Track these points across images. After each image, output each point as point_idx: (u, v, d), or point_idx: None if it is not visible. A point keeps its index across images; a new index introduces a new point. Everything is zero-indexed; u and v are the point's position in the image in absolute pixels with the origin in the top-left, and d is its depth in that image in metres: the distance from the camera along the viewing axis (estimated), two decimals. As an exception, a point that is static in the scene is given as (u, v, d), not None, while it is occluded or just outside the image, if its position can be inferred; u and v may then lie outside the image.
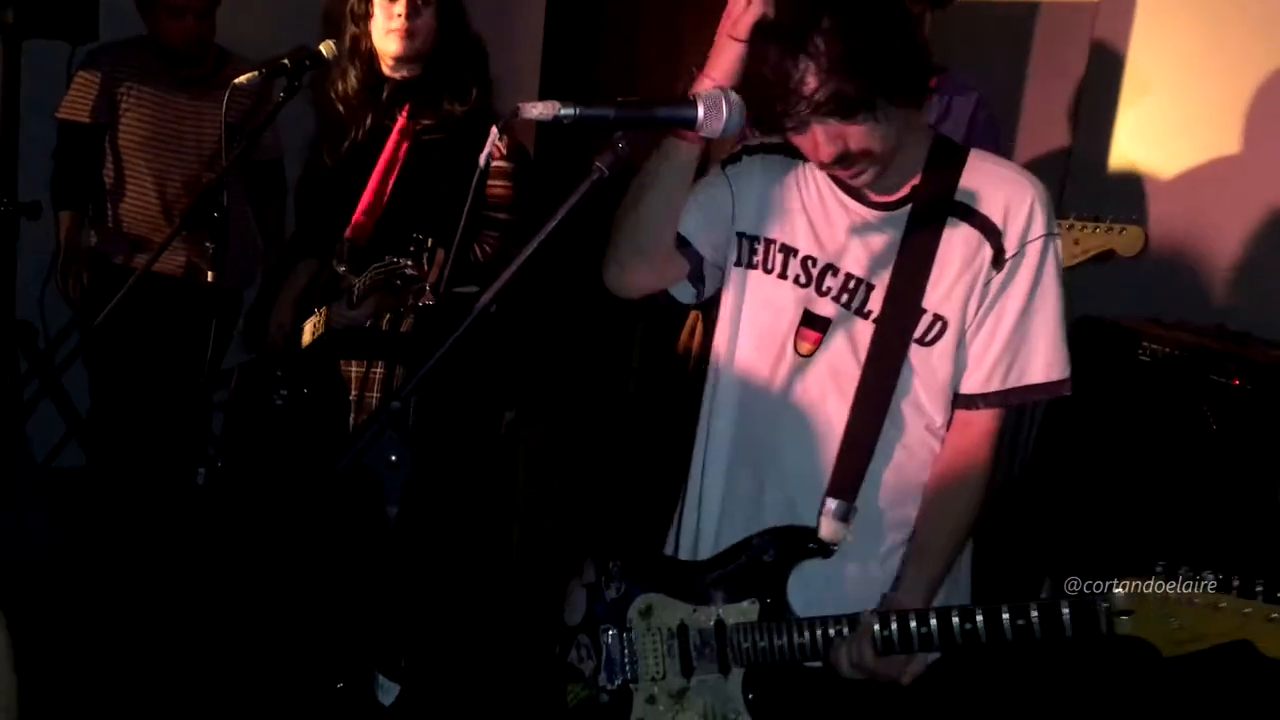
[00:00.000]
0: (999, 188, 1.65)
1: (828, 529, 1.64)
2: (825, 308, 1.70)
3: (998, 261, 1.63)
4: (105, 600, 3.19)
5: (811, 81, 1.48)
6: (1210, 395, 2.80)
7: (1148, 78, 3.73)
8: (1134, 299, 3.07)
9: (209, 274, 2.64)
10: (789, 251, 1.73)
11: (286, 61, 2.62)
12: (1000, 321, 1.64)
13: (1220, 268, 3.50)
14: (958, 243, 1.64)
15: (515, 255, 1.40)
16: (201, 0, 3.46)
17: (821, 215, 1.72)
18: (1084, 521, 2.96)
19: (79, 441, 3.81)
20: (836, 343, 1.69)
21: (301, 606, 2.89)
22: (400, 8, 2.65)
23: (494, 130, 1.34)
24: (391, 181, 2.71)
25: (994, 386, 1.65)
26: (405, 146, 2.71)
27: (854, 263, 1.69)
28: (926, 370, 1.67)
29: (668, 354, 3.48)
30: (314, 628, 2.86)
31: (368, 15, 2.70)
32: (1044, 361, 1.65)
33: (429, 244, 2.33)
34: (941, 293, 1.65)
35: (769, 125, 1.55)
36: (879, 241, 1.68)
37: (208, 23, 3.51)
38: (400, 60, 2.69)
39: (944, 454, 1.68)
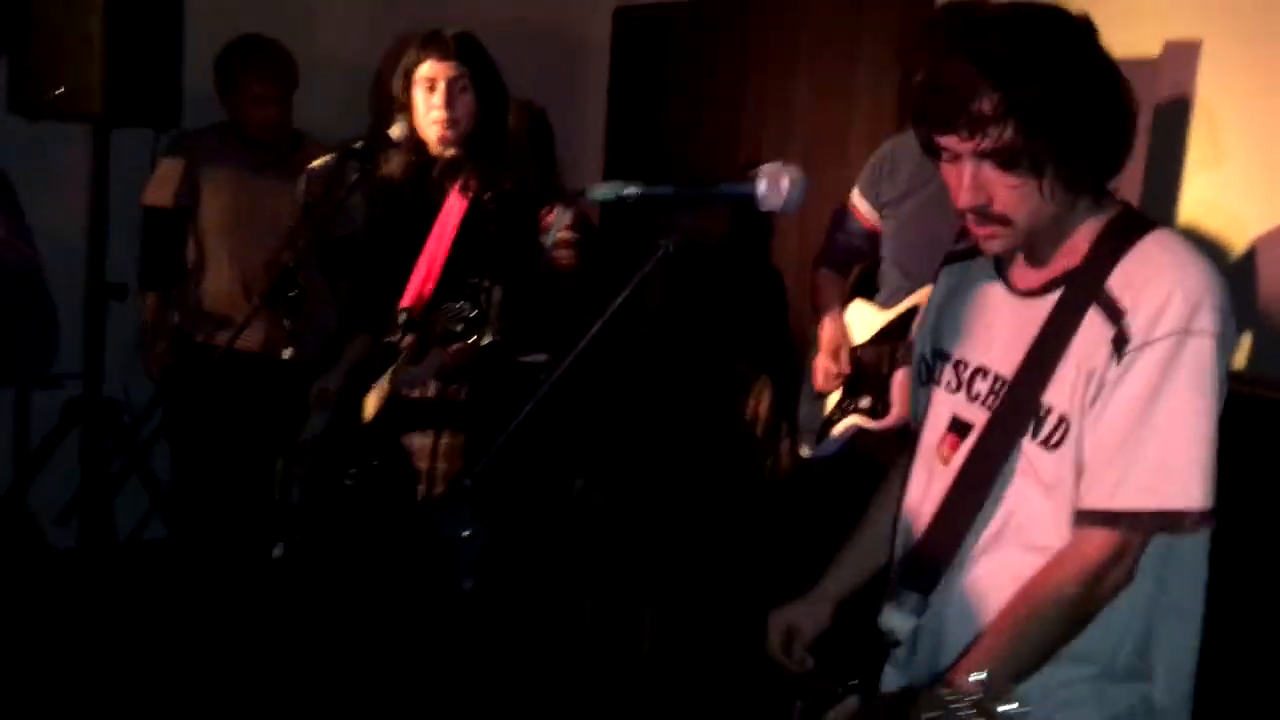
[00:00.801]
0: (1145, 273, 1.42)
1: (890, 618, 1.53)
2: (973, 413, 1.56)
3: (1119, 354, 1.41)
4: (187, 670, 3.24)
5: (987, 107, 1.37)
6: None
7: (1216, 135, 3.68)
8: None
9: (287, 350, 2.70)
10: (944, 358, 1.64)
11: (359, 145, 2.69)
12: (1105, 425, 1.41)
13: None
14: (1090, 334, 1.44)
15: (582, 325, 1.42)
16: (281, 88, 3.59)
17: (979, 313, 1.61)
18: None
19: (162, 515, 3.90)
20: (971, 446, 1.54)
21: (379, 681, 2.91)
22: (439, 98, 2.68)
23: (559, 209, 1.37)
24: (445, 253, 2.73)
25: (1089, 503, 1.41)
26: (459, 219, 2.74)
27: (999, 360, 1.54)
28: (1042, 477, 1.46)
29: (736, 420, 3.48)
30: (391, 702, 2.87)
31: (409, 105, 2.73)
32: (1148, 483, 1.38)
33: (486, 284, 2.36)
34: (1066, 389, 1.45)
35: (924, 127, 1.45)
36: (1025, 334, 1.51)
37: (286, 108, 3.63)
38: (446, 144, 2.73)
39: (1050, 560, 1.46)
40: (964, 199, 1.44)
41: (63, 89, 3.32)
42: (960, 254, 1.71)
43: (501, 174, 2.72)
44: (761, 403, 3.31)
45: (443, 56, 2.69)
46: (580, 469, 3.59)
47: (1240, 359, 3.08)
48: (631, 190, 1.39)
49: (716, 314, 3.77)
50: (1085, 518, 1.42)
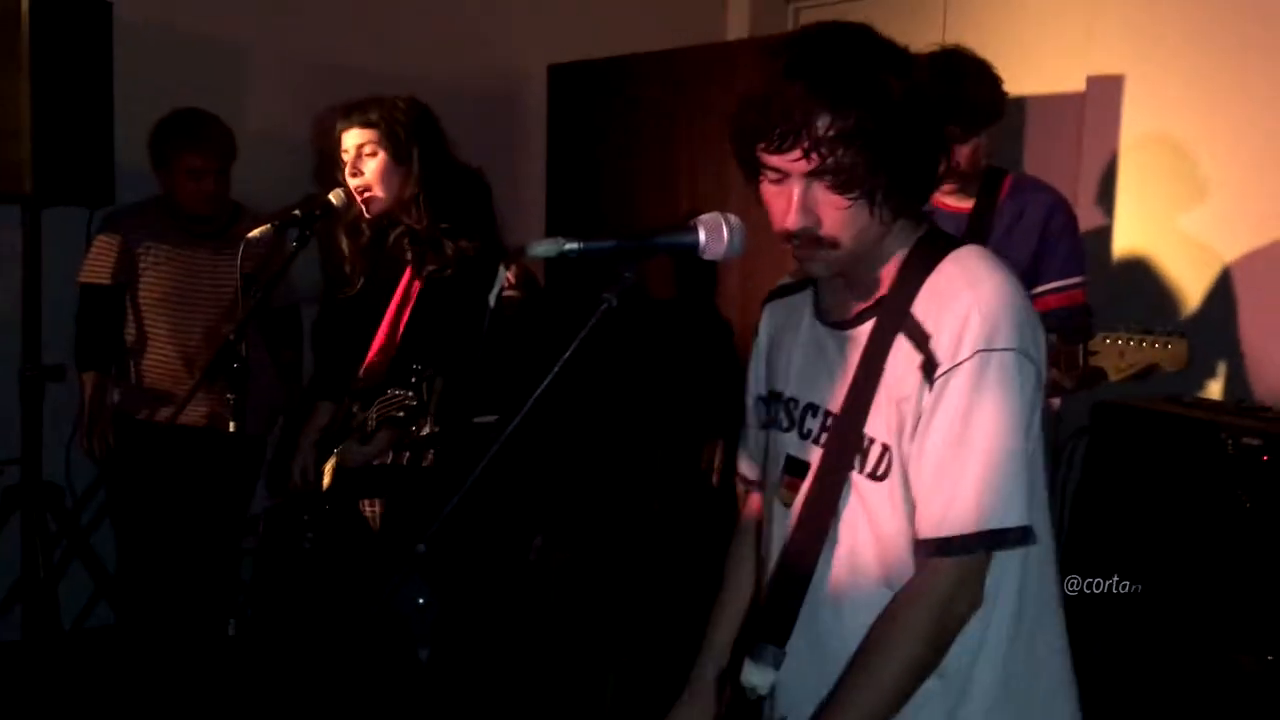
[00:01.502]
0: (944, 296, 1.44)
1: (749, 674, 1.50)
2: (806, 452, 1.56)
3: (929, 379, 1.42)
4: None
5: (824, 129, 1.38)
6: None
7: (1143, 161, 3.77)
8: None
9: (231, 424, 2.66)
10: (777, 398, 1.65)
11: (297, 212, 2.68)
12: (926, 453, 1.41)
13: (1232, 343, 3.50)
14: (898, 359, 1.45)
15: (530, 382, 1.41)
16: (218, 161, 3.56)
17: (804, 349, 1.62)
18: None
19: (108, 600, 3.80)
20: (808, 489, 1.54)
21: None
22: (348, 166, 2.74)
23: (502, 268, 1.37)
24: (404, 323, 2.74)
25: (924, 533, 1.41)
26: (416, 288, 2.75)
27: (825, 395, 1.55)
28: (877, 510, 1.47)
29: (692, 470, 3.47)
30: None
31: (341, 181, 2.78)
32: (971, 506, 1.38)
33: (428, 373, 2.37)
34: (884, 419, 1.46)
35: (749, 145, 1.44)
36: (844, 369, 1.53)
37: (224, 180, 3.60)
38: (372, 211, 2.75)
39: (898, 591, 1.44)
40: (792, 220, 1.44)
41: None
42: (781, 290, 1.72)
43: (457, 242, 2.72)
44: (716, 455, 3.30)
45: (350, 124, 2.74)
46: (539, 526, 3.55)
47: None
48: (572, 245, 1.38)
49: (667, 368, 3.77)
50: (922, 547, 1.42)
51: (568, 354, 1.40)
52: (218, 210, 3.63)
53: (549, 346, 2.71)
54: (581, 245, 1.38)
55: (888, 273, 1.51)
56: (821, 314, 1.60)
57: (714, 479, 3.46)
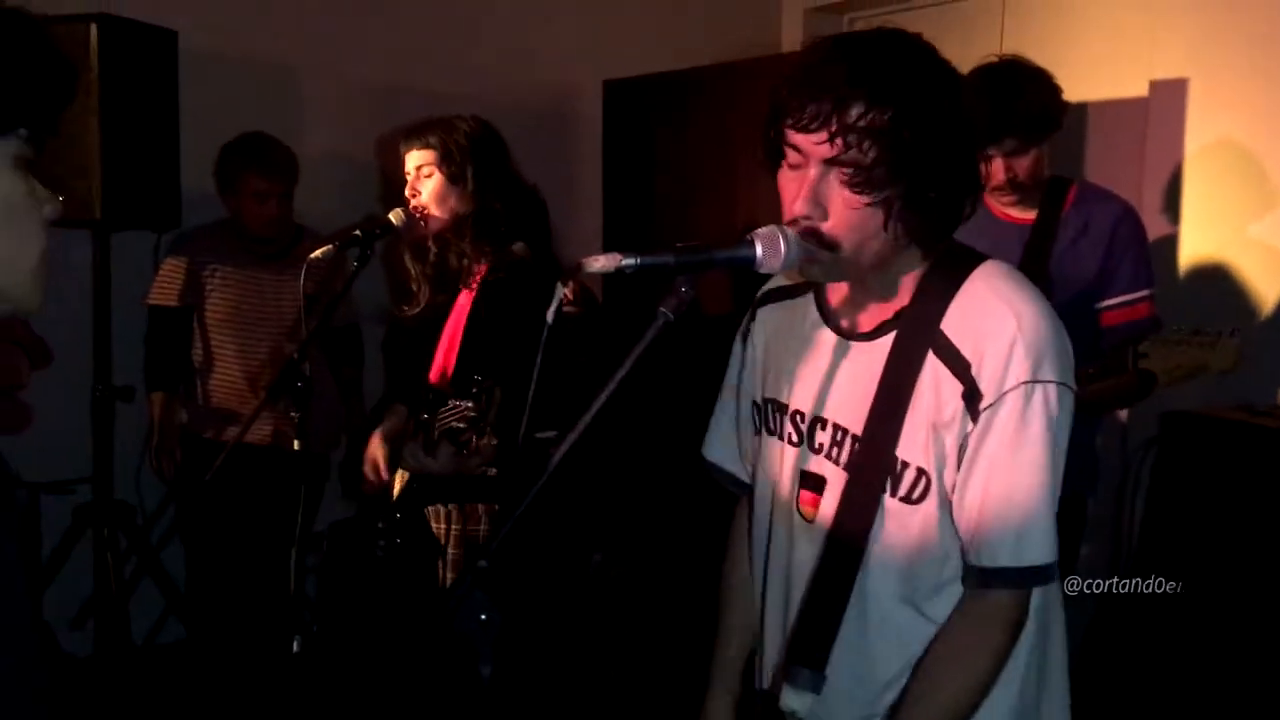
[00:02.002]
0: (980, 320, 1.42)
1: (789, 699, 1.50)
2: (821, 467, 1.55)
3: (972, 411, 1.41)
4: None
5: (856, 117, 1.35)
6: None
7: (1209, 167, 3.70)
8: (1217, 391, 2.99)
9: (295, 442, 2.69)
10: (780, 409, 1.63)
11: (358, 233, 2.71)
12: (977, 486, 1.41)
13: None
14: (935, 386, 1.44)
15: (592, 398, 1.41)
16: (283, 184, 3.62)
17: (810, 360, 1.59)
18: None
19: (178, 616, 3.86)
20: (829, 503, 1.53)
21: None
22: (408, 190, 2.78)
23: (560, 285, 1.37)
24: (460, 330, 2.77)
25: (983, 562, 1.42)
26: (469, 297, 2.78)
27: (837, 410, 1.54)
28: (909, 532, 1.46)
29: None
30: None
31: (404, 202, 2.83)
32: (1016, 541, 1.40)
33: (488, 384, 2.39)
34: (920, 443, 1.45)
35: (778, 120, 1.42)
36: (861, 382, 1.51)
37: (287, 203, 3.66)
38: (432, 234, 2.78)
39: (944, 626, 1.47)
40: (799, 205, 1.42)
41: (62, 198, 3.35)
42: (777, 292, 1.70)
43: (509, 248, 2.75)
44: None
45: (411, 145, 2.79)
46: (598, 542, 3.55)
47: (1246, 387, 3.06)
48: (630, 261, 1.37)
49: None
50: (970, 575, 1.45)
51: (625, 369, 1.39)
52: (281, 232, 3.69)
53: (607, 362, 2.73)
54: (639, 261, 1.38)
55: (907, 283, 1.49)
56: (829, 320, 1.58)
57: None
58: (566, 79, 4.68)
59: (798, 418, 1.60)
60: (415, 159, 2.78)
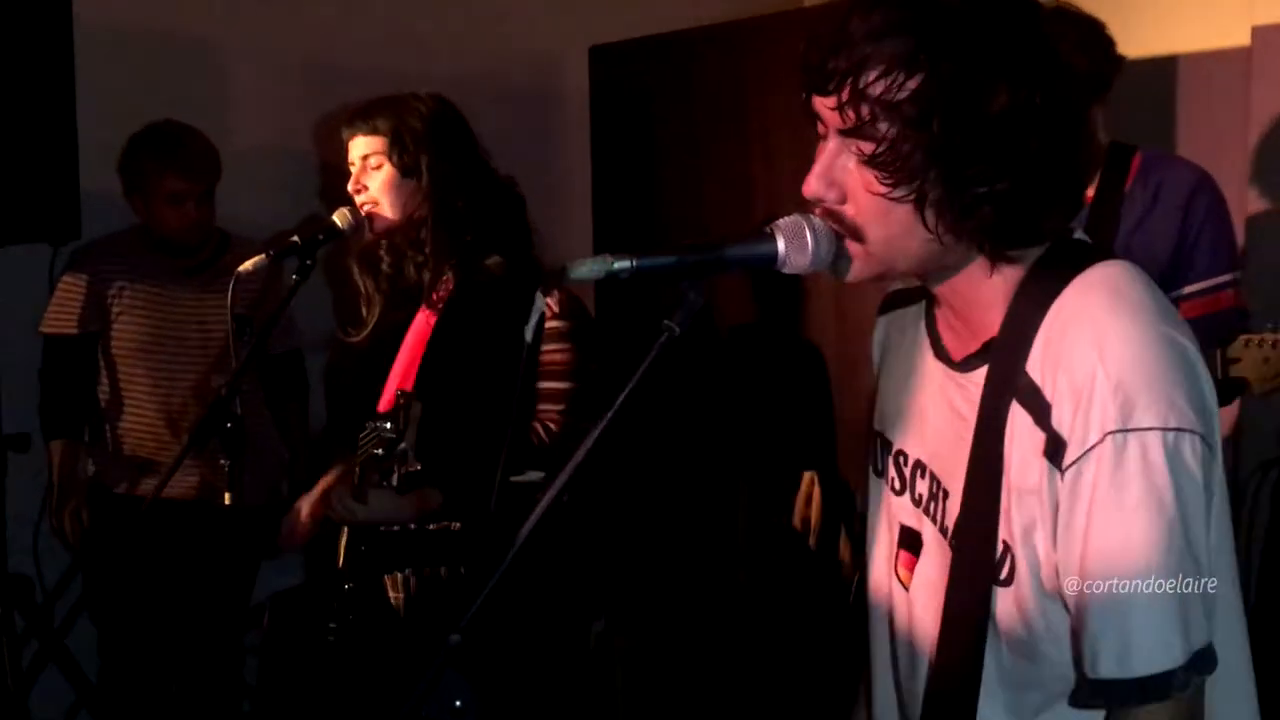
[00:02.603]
0: (1061, 346, 1.35)
1: None
2: (918, 521, 1.55)
3: (1058, 468, 1.35)
4: None
5: (871, 78, 1.32)
6: None
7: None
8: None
9: (226, 495, 2.69)
10: (886, 446, 1.63)
11: (296, 239, 2.72)
12: (1065, 571, 1.35)
13: None
14: (1019, 440, 1.39)
15: (585, 431, 1.41)
16: (202, 183, 3.62)
17: (912, 386, 1.59)
18: None
19: (89, 711, 3.85)
20: (927, 571, 1.52)
21: None
22: (351, 184, 2.79)
23: (540, 295, 1.37)
24: (419, 357, 2.77)
25: (1087, 669, 1.35)
26: (431, 320, 2.78)
27: (936, 456, 1.53)
28: (1005, 618, 1.42)
29: (783, 529, 3.44)
30: None
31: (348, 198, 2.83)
32: (1117, 647, 1.32)
33: (406, 400, 2.42)
34: (1009, 515, 1.40)
35: (805, 85, 1.40)
36: (955, 426, 1.48)
37: (207, 206, 3.66)
38: (380, 236, 2.79)
39: None
40: (808, 184, 1.41)
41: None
42: (895, 298, 1.70)
43: (484, 259, 2.75)
44: (812, 505, 3.28)
45: (355, 131, 2.80)
46: (599, 608, 3.54)
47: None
48: (623, 263, 1.37)
49: (745, 404, 3.75)
50: (1090, 687, 1.36)
51: (624, 395, 1.39)
52: (202, 241, 3.70)
53: (603, 386, 2.73)
54: (635, 263, 1.37)
55: (995, 299, 1.44)
56: (934, 340, 1.56)
57: (811, 541, 3.43)
58: (545, 46, 4.70)
59: (900, 459, 1.60)
60: (360, 146, 2.78)
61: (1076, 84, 1.39)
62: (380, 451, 2.45)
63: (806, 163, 1.46)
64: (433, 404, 2.63)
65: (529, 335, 1.31)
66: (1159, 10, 3.68)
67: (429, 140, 2.77)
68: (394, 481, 2.47)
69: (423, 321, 2.80)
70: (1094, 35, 2.61)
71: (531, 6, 4.69)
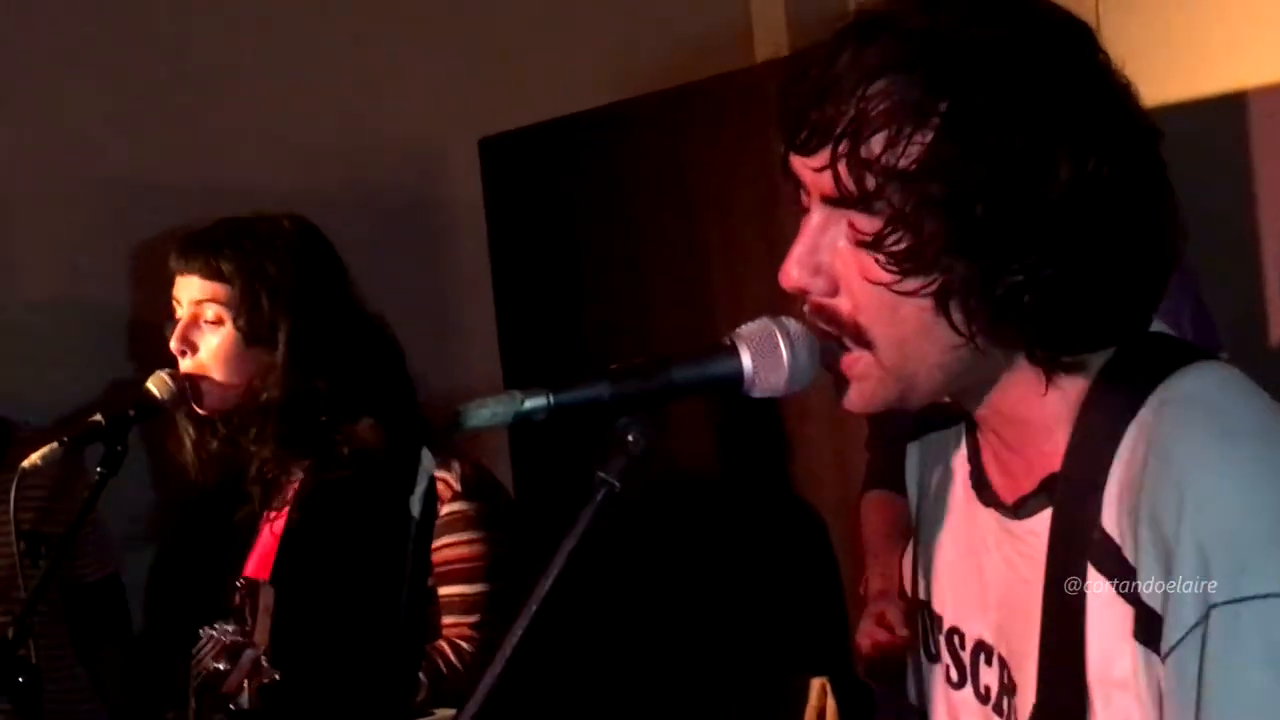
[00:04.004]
0: (1151, 494, 1.32)
1: None
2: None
3: (1154, 648, 1.33)
4: None
5: (885, 149, 1.29)
6: None
7: None
8: None
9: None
10: (933, 619, 1.64)
11: (99, 418, 2.70)
12: None
13: None
14: (1103, 617, 1.37)
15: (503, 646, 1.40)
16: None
17: (960, 540, 1.60)
18: None
19: None
20: None
21: None
22: (175, 338, 2.76)
23: (426, 456, 1.36)
24: (272, 553, 2.78)
25: None
26: (280, 522, 2.79)
27: (1002, 635, 1.52)
28: None
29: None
30: None
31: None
32: None
33: (250, 587, 2.43)
34: (1097, 710, 1.38)
35: (787, 140, 1.39)
36: (1019, 592, 1.47)
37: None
38: (209, 413, 2.79)
39: None
40: (789, 272, 1.39)
41: None
42: (927, 417, 1.67)
43: (322, 460, 2.76)
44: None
45: (188, 268, 2.78)
46: None
47: None
48: (538, 401, 1.38)
49: (721, 586, 3.74)
50: None
51: (549, 578, 1.38)
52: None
53: (522, 570, 2.70)
54: (552, 399, 1.39)
55: (1054, 422, 1.43)
56: (978, 478, 1.55)
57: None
58: (422, 141, 4.77)
59: (955, 639, 1.59)
60: (193, 289, 2.78)
61: (1156, 137, 1.37)
62: (222, 665, 2.42)
63: (776, 247, 1.47)
64: (291, 596, 2.61)
65: (415, 508, 1.30)
66: (1220, 43, 3.79)
67: (293, 297, 2.76)
68: (244, 703, 2.43)
69: (270, 529, 2.82)
70: None
71: (403, 95, 4.76)
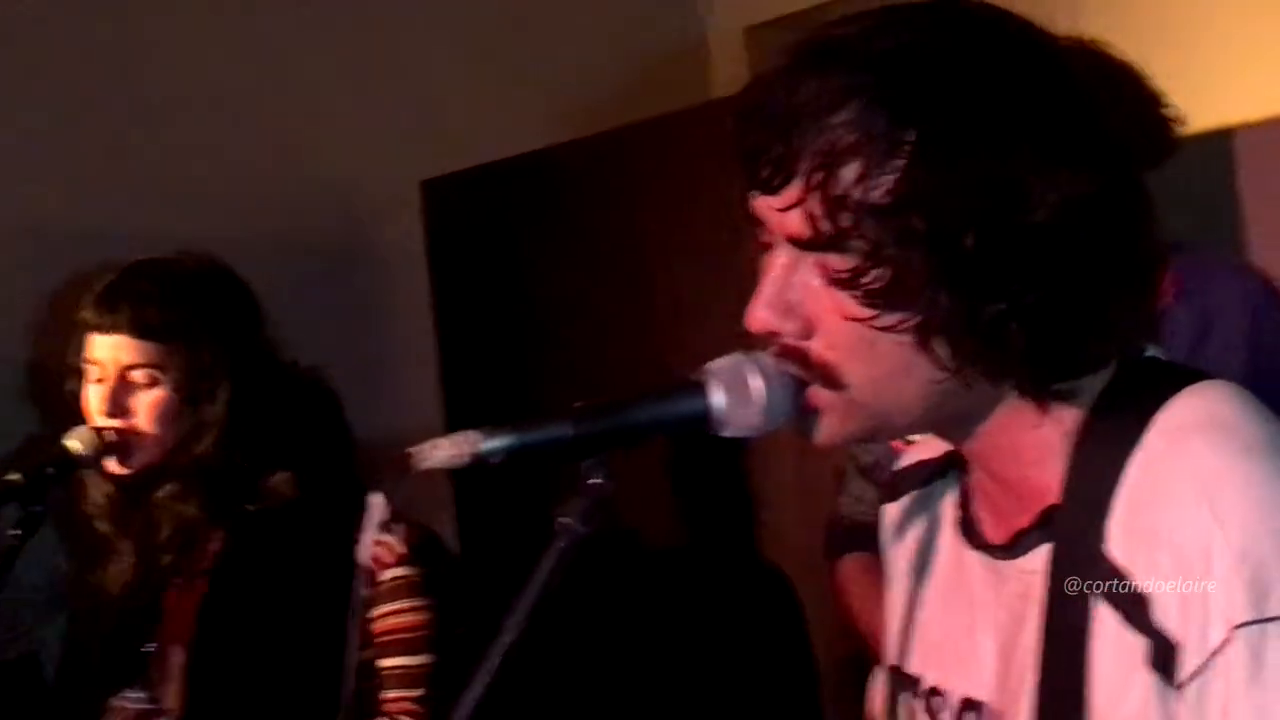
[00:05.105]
0: (1157, 512, 1.34)
1: None
2: None
3: (1170, 682, 1.33)
4: None
5: (857, 185, 1.30)
6: None
7: None
8: None
9: None
10: (909, 685, 1.65)
11: (18, 476, 2.67)
12: None
13: None
14: (1109, 651, 1.37)
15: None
16: None
17: (947, 590, 1.60)
18: None
19: None
20: None
21: None
22: (98, 401, 2.73)
23: (374, 508, 1.35)
24: (185, 631, 2.75)
25: None
26: (198, 591, 2.77)
27: (986, 686, 1.51)
28: None
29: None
30: None
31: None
32: None
33: (156, 650, 2.46)
34: None
35: (748, 178, 1.39)
36: (1011, 637, 1.48)
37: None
38: (135, 472, 2.77)
39: None
40: (756, 314, 1.40)
41: None
42: (907, 475, 1.70)
43: (236, 524, 2.77)
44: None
45: (111, 326, 2.74)
46: None
47: None
48: (496, 442, 1.37)
49: (680, 656, 3.74)
50: None
51: (500, 649, 1.37)
52: None
53: (476, 626, 2.68)
54: (511, 440, 1.38)
55: (1048, 453, 1.44)
56: (966, 520, 1.56)
57: None
58: (362, 185, 4.78)
59: (934, 699, 1.59)
60: (119, 351, 2.74)
61: (1132, 157, 1.39)
62: None
63: (732, 289, 1.47)
64: (212, 662, 2.60)
65: (364, 556, 1.28)
66: (1203, 78, 3.83)
67: (229, 351, 2.76)
68: None
69: (181, 604, 2.79)
70: (1132, 86, 2.60)
71: (339, 135, 4.79)
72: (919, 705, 1.60)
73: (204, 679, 2.67)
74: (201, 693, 2.47)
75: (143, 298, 2.74)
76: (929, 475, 1.66)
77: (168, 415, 2.74)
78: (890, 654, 1.68)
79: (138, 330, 2.71)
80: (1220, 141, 3.93)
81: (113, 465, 2.76)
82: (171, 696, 2.41)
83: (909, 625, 1.64)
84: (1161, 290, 2.68)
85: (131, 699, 2.43)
